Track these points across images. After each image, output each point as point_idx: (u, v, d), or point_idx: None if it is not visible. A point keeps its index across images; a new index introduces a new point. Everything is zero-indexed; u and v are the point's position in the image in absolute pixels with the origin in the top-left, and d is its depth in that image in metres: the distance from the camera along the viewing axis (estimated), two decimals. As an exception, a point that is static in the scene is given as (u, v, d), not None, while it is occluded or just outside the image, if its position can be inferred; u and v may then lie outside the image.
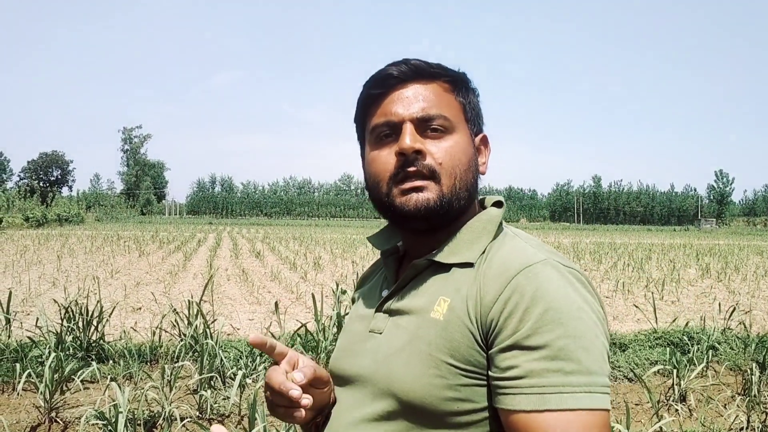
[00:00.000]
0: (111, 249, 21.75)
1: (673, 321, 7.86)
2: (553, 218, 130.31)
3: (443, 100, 1.08)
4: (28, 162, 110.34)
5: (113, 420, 3.53)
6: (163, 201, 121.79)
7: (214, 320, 6.50)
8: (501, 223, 1.11)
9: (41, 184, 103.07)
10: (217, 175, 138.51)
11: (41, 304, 8.34)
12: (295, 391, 0.95)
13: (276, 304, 7.07)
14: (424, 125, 1.05)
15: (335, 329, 6.09)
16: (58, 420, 4.55)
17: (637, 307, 8.97)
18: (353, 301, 1.35)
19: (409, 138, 1.03)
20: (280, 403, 1.01)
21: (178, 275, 13.92)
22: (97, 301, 6.38)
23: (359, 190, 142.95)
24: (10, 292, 7.01)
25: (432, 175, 1.04)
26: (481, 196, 1.19)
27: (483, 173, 1.14)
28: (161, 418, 4.48)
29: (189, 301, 6.13)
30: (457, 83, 1.11)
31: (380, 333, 1.08)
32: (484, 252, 1.05)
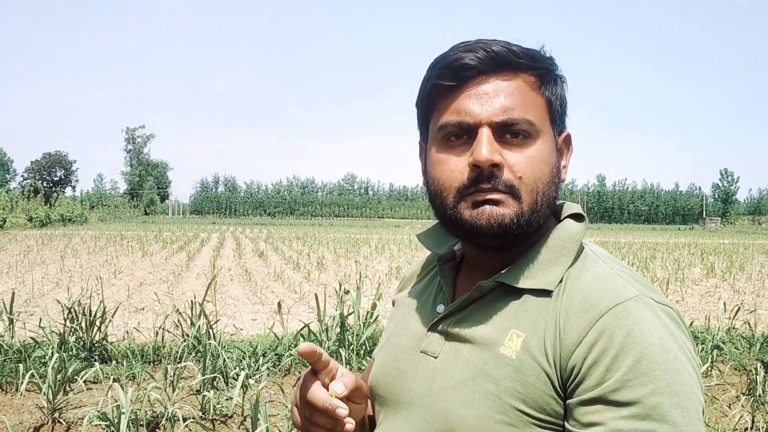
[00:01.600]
0: (114, 249, 21.77)
1: (678, 320, 7.82)
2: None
3: (528, 98, 0.91)
4: (32, 162, 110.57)
5: (116, 421, 3.53)
6: (167, 201, 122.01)
7: (217, 320, 6.50)
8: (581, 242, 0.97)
9: (45, 185, 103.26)
10: (221, 174, 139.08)
11: (44, 305, 8.34)
12: (343, 410, 0.86)
13: (279, 304, 7.06)
14: (504, 130, 0.90)
15: (338, 329, 6.08)
16: (61, 421, 4.55)
17: (641, 306, 8.94)
18: (393, 303, 1.21)
19: (486, 148, 0.87)
20: (319, 423, 0.91)
21: (181, 275, 13.92)
22: (100, 302, 6.37)
23: (362, 190, 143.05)
24: (13, 293, 7.01)
25: (510, 191, 0.88)
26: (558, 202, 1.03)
27: (564, 180, 0.98)
28: (164, 419, 4.47)
29: (192, 301, 6.13)
30: (545, 75, 0.94)
31: (435, 357, 0.96)
32: (563, 277, 0.91)
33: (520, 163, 0.89)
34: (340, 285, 7.27)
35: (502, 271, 0.94)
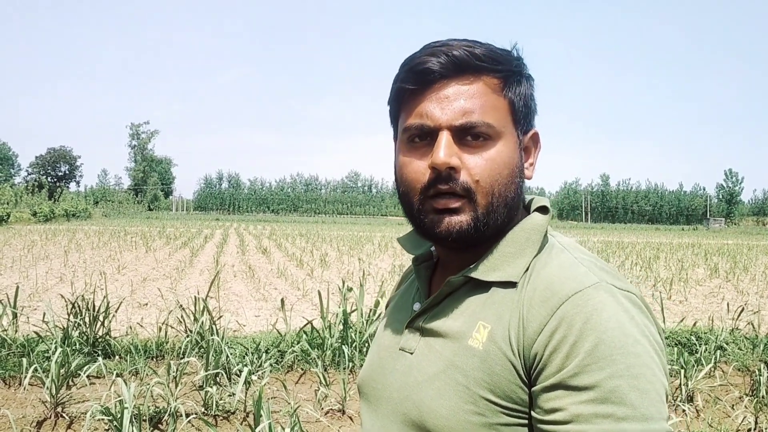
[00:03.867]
0: (118, 244, 21.81)
1: (681, 321, 7.82)
2: (560, 216, 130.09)
3: (489, 101, 0.93)
4: (36, 157, 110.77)
5: (119, 416, 3.53)
6: (170, 197, 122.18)
7: (220, 316, 6.50)
8: (546, 233, 0.99)
9: (49, 180, 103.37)
10: (224, 171, 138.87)
11: (48, 299, 8.36)
12: None
13: (282, 301, 7.07)
14: (464, 133, 0.92)
15: (341, 326, 6.09)
16: (63, 415, 4.55)
17: (644, 306, 8.92)
18: (387, 305, 1.25)
19: (443, 151, 0.90)
20: None
21: (185, 271, 13.94)
22: (104, 297, 6.38)
23: (366, 188, 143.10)
24: (17, 287, 7.03)
25: (467, 194, 0.91)
26: (527, 197, 1.06)
27: (529, 177, 1.01)
28: (166, 414, 4.48)
29: (195, 297, 6.13)
30: (508, 77, 0.95)
31: (411, 353, 1.00)
32: (528, 269, 0.94)
33: (477, 167, 0.91)
34: (344, 282, 7.28)
35: (470, 266, 0.97)
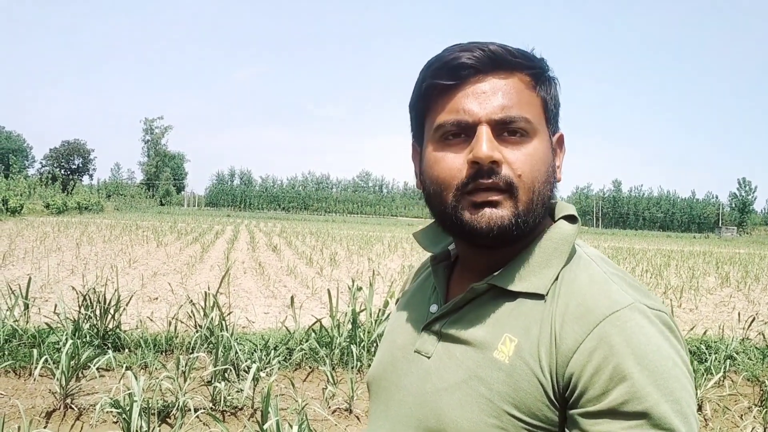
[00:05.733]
0: (129, 238, 21.93)
1: (691, 329, 7.78)
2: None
3: (524, 97, 0.92)
4: (51, 150, 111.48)
5: (128, 408, 3.56)
6: (182, 192, 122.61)
7: (230, 312, 6.52)
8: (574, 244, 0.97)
9: (62, 172, 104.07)
10: (237, 168, 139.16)
11: (59, 291, 8.42)
12: None
13: (292, 298, 7.08)
14: (502, 128, 0.90)
15: (350, 326, 6.10)
16: (73, 406, 4.59)
17: (654, 313, 8.88)
18: (397, 301, 1.22)
19: (486, 145, 0.88)
20: None
21: (195, 266, 14.00)
22: (115, 290, 6.42)
23: (377, 188, 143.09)
24: (30, 278, 7.08)
25: (509, 189, 0.89)
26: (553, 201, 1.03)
27: (559, 180, 0.99)
28: (175, 408, 4.51)
29: (205, 292, 6.15)
30: (540, 75, 0.95)
31: (428, 357, 0.97)
32: (556, 280, 0.91)
33: (518, 161, 0.90)
34: (353, 281, 7.29)
35: (495, 273, 0.94)
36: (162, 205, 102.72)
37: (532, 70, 0.94)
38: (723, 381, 5.82)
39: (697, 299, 12.48)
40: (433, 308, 1.02)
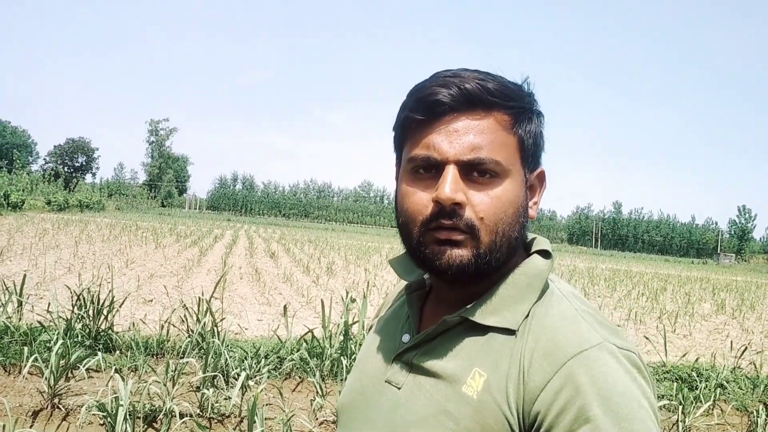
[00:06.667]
0: (128, 239, 21.94)
1: (684, 355, 7.77)
2: (570, 241, 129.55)
3: (498, 138, 0.91)
4: (55, 147, 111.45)
5: (113, 412, 3.56)
6: (184, 195, 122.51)
7: (223, 318, 6.52)
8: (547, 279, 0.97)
9: (66, 170, 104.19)
10: (239, 172, 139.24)
11: (54, 289, 8.42)
12: None
13: (285, 307, 7.09)
14: (471, 168, 0.90)
15: (342, 337, 6.10)
16: (60, 407, 4.59)
17: (647, 339, 8.88)
18: (370, 327, 1.22)
19: (449, 186, 0.88)
20: None
21: (192, 270, 14.00)
22: (109, 291, 6.43)
23: (378, 198, 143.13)
24: (25, 275, 7.09)
25: (470, 231, 0.89)
26: (529, 236, 1.04)
27: (532, 217, 0.99)
28: (161, 413, 4.51)
29: (199, 298, 6.16)
30: (519, 114, 0.94)
31: (398, 387, 0.97)
32: (528, 316, 0.92)
33: (483, 203, 0.90)
34: (347, 293, 7.29)
35: (467, 306, 0.95)
36: (163, 206, 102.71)
37: (511, 109, 0.93)
38: (712, 410, 5.81)
39: (692, 325, 12.46)
40: (405, 338, 1.02)
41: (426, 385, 0.94)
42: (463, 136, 0.90)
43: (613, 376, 0.82)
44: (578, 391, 0.81)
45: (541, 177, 1.01)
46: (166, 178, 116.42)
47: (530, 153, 0.96)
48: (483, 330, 0.93)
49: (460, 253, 0.90)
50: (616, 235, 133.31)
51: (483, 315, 0.93)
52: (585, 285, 19.28)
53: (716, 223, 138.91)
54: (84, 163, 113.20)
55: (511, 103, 0.93)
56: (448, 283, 0.98)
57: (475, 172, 0.91)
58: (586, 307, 0.94)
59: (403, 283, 1.21)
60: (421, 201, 0.92)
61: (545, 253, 0.99)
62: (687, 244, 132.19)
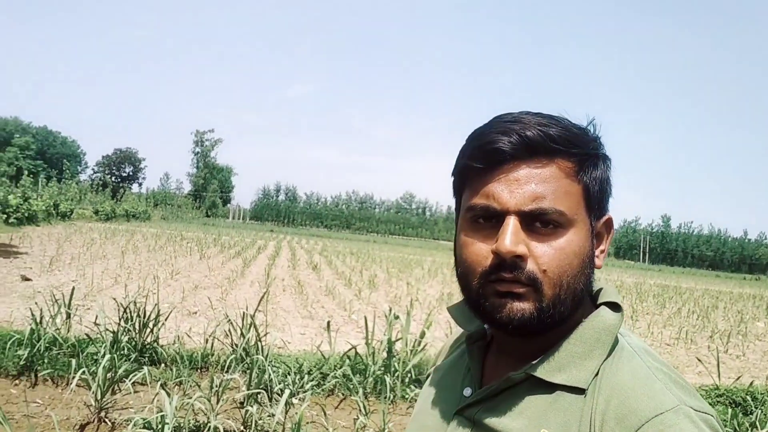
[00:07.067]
0: (173, 249, 22.25)
1: (738, 378, 7.51)
2: (617, 255, 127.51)
3: (562, 187, 0.88)
4: (103, 156, 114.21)
5: (159, 429, 3.55)
6: (228, 205, 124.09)
7: (266, 333, 6.53)
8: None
9: (113, 179, 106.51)
10: (282, 183, 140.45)
11: (101, 301, 8.55)
12: None
13: (328, 323, 7.07)
14: (533, 219, 0.87)
15: (385, 354, 6.04)
16: (106, 420, 4.62)
17: (699, 360, 8.62)
18: (427, 377, 1.18)
19: (509, 239, 0.85)
20: None
21: (236, 281, 14.11)
22: (155, 304, 6.49)
23: (420, 210, 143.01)
24: (73, 288, 7.21)
25: (533, 283, 0.86)
26: (596, 286, 1.00)
27: (599, 267, 0.95)
28: (206, 430, 4.50)
29: (244, 312, 6.18)
30: (584, 160, 0.90)
31: None
32: (597, 374, 0.88)
33: (546, 255, 0.86)
34: (390, 309, 7.23)
35: (533, 362, 0.91)
36: (207, 216, 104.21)
37: (575, 157, 0.89)
38: (770, 436, 5.58)
39: (745, 345, 12.09)
40: (467, 392, 0.99)
41: None
42: (524, 186, 0.87)
43: None
44: None
45: (609, 224, 0.97)
46: (210, 189, 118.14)
47: (596, 200, 0.92)
48: (550, 388, 0.89)
49: (522, 306, 0.86)
50: (665, 249, 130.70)
51: (550, 372, 0.89)
52: (633, 301, 18.87)
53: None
54: (131, 173, 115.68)
55: (575, 150, 0.89)
56: (510, 336, 0.94)
57: (538, 222, 0.87)
58: (659, 365, 0.89)
59: (458, 329, 1.18)
60: (481, 252, 0.89)
61: (614, 306, 0.94)
62: (739, 259, 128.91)
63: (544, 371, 0.89)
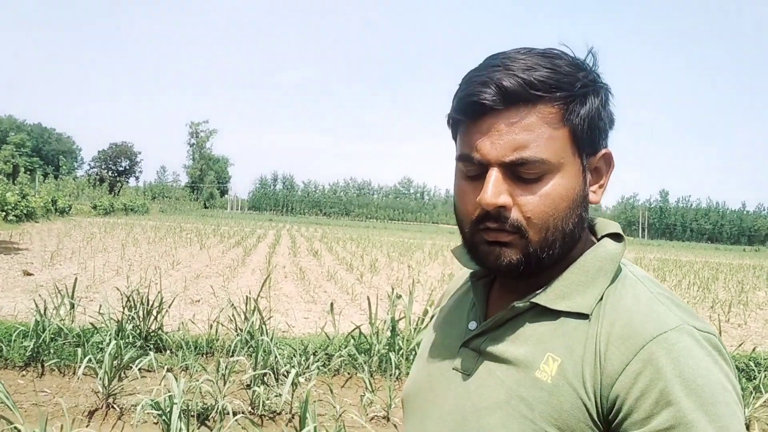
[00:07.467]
0: (173, 240, 22.26)
1: (740, 345, 7.57)
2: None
3: (544, 134, 0.86)
4: (99, 152, 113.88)
5: (168, 410, 3.58)
6: (226, 196, 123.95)
7: (270, 317, 6.55)
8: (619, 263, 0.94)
9: (110, 174, 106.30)
10: (279, 172, 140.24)
11: (104, 292, 8.58)
12: None
13: (331, 304, 7.10)
14: (515, 168, 0.87)
15: (389, 333, 6.07)
16: (114, 406, 4.66)
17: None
18: (432, 317, 1.18)
19: (490, 191, 0.86)
20: None
21: (237, 270, 14.14)
22: (158, 292, 6.51)
23: (418, 194, 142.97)
24: (76, 279, 7.24)
25: (518, 231, 0.88)
26: (593, 219, 1.01)
27: (595, 202, 0.95)
28: (214, 411, 4.54)
29: (247, 296, 6.20)
30: (569, 102, 0.88)
31: (468, 374, 0.96)
32: (601, 299, 0.89)
33: (530, 203, 0.87)
34: (393, 289, 7.27)
35: (537, 292, 0.92)
36: (206, 207, 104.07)
37: (559, 101, 0.87)
38: (773, 400, 5.63)
39: (746, 314, 12.15)
40: (472, 325, 1.01)
41: (497, 371, 0.92)
42: (505, 136, 0.86)
43: (694, 358, 0.80)
44: (659, 374, 0.79)
45: (608, 159, 0.95)
46: (207, 180, 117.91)
47: (586, 139, 0.90)
48: (554, 315, 0.91)
49: (509, 253, 0.89)
50: (664, 224, 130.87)
51: (553, 300, 0.91)
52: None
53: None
54: (127, 167, 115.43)
55: (558, 94, 0.87)
56: (506, 278, 0.98)
57: (521, 171, 0.87)
58: (661, 290, 0.91)
59: (461, 275, 1.20)
60: (470, 202, 0.91)
61: (616, 236, 0.96)
62: (738, 231, 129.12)
63: (548, 299, 0.91)
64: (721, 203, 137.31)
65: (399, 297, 6.90)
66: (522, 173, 0.87)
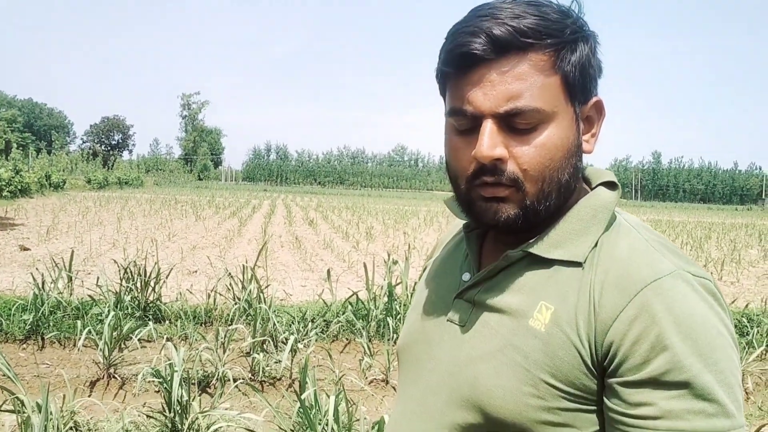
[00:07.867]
0: (169, 213, 22.25)
1: (732, 302, 7.66)
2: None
3: (537, 82, 0.84)
4: (91, 126, 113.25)
5: (168, 378, 3.62)
6: (220, 167, 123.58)
7: (268, 285, 6.59)
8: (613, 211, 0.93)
9: (103, 148, 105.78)
10: (273, 142, 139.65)
11: (102, 264, 8.60)
12: None
13: (328, 272, 7.13)
14: (509, 119, 0.85)
15: (386, 298, 6.12)
16: (116, 376, 4.71)
17: (694, 286, 8.73)
18: (425, 269, 1.18)
19: (486, 143, 0.84)
20: None
21: (233, 240, 14.16)
22: (155, 263, 6.53)
23: (412, 162, 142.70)
24: (72, 252, 7.25)
25: (514, 184, 0.86)
26: (586, 168, 0.99)
27: (588, 151, 0.93)
28: (215, 378, 4.60)
29: (243, 265, 6.23)
30: (560, 48, 0.86)
31: (462, 325, 0.95)
32: (594, 247, 0.89)
33: (525, 155, 0.86)
34: (389, 255, 7.30)
35: (531, 241, 0.92)
36: (200, 179, 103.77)
37: (549, 48, 0.85)
38: (765, 354, 5.73)
39: (739, 272, 12.27)
40: (466, 276, 1.00)
41: (490, 321, 0.92)
42: (497, 86, 0.84)
43: (689, 303, 0.79)
44: (654, 319, 0.78)
45: (599, 107, 0.94)
46: (200, 152, 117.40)
47: (579, 86, 0.89)
48: (547, 264, 0.90)
49: (507, 208, 0.88)
50: (657, 185, 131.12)
51: (547, 248, 0.90)
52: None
53: (760, 168, 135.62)
54: (120, 141, 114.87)
55: (549, 41, 0.85)
56: (502, 234, 0.97)
57: (515, 122, 0.85)
58: (656, 237, 0.90)
59: (455, 226, 1.18)
60: (465, 157, 0.89)
61: (610, 185, 0.95)
62: (730, 191, 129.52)
63: (542, 248, 0.90)
64: (714, 163, 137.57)
65: (395, 263, 6.94)
66: (516, 124, 0.85)
